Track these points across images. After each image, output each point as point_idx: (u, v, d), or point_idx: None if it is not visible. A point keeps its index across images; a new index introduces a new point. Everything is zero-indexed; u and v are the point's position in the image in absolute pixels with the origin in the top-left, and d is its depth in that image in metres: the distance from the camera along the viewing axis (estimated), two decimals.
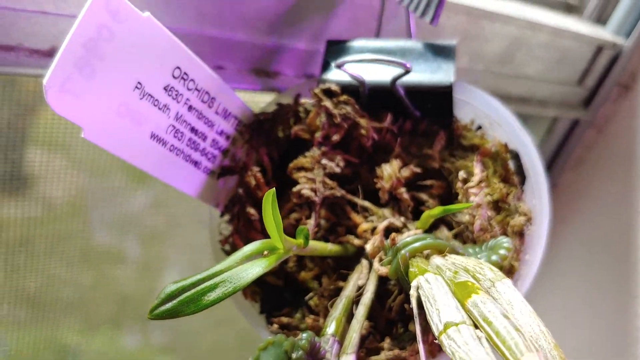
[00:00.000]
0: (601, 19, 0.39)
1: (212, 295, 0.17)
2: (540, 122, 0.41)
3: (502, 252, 0.19)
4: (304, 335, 0.17)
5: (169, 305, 0.16)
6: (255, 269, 0.17)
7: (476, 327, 0.15)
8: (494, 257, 0.19)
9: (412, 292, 0.17)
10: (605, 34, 0.38)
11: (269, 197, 0.16)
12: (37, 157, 0.35)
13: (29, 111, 0.32)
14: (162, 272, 0.47)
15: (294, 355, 0.17)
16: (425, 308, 0.16)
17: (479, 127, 0.23)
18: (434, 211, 0.20)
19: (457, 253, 0.19)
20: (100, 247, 0.42)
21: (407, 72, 0.21)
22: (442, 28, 0.29)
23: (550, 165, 0.42)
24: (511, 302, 0.16)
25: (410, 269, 0.18)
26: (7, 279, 0.41)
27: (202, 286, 0.17)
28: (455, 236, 0.22)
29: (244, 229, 0.21)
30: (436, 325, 0.15)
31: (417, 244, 0.19)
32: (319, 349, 0.18)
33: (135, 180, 0.41)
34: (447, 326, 0.15)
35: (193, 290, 0.17)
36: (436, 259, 0.18)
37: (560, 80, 0.37)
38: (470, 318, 0.15)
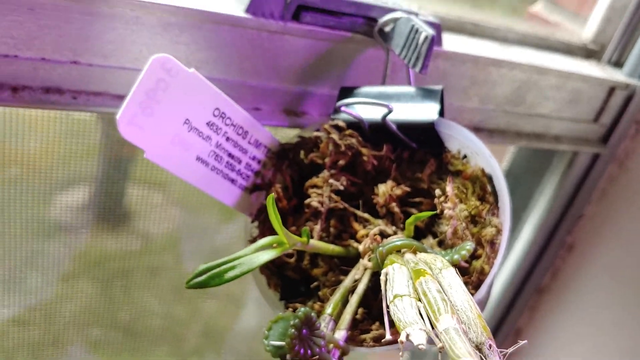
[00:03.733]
0: (619, 62, 0.43)
1: (232, 273, 0.23)
2: (563, 156, 0.44)
3: (463, 252, 0.24)
4: (302, 309, 0.23)
5: (200, 278, 0.23)
6: (265, 256, 0.23)
7: (420, 301, 0.20)
8: (455, 256, 0.24)
9: (382, 277, 0.22)
10: (619, 76, 0.41)
11: (270, 201, 0.22)
12: (136, 193, 0.42)
13: (130, 149, 0.39)
14: (246, 304, 0.53)
15: (291, 322, 0.22)
16: (387, 288, 0.22)
17: (465, 156, 0.28)
18: (410, 219, 0.25)
19: (427, 252, 0.24)
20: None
21: (390, 111, 0.26)
22: (449, 75, 0.34)
23: (574, 197, 0.45)
24: (451, 285, 0.21)
25: (385, 262, 0.23)
26: (105, 308, 0.48)
27: (225, 266, 0.23)
28: (439, 243, 0.27)
29: (267, 231, 0.27)
30: (388, 299, 0.21)
31: (392, 244, 0.24)
32: (314, 322, 0.23)
33: (224, 216, 0.47)
34: (395, 297, 0.20)
35: (218, 269, 0.23)
36: (407, 255, 0.24)
37: (575, 118, 0.41)
38: (417, 294, 0.20)
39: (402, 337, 0.19)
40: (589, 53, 0.43)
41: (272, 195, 0.22)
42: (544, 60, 0.38)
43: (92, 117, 0.35)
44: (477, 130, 0.37)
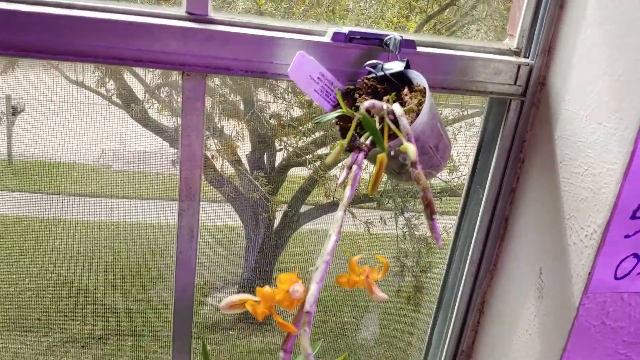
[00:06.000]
0: (526, 55, 0.83)
1: (325, 118, 0.66)
2: (503, 105, 0.84)
3: (410, 106, 0.65)
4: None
5: (317, 120, 0.66)
6: (336, 113, 0.66)
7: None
8: (406, 107, 0.66)
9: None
10: (524, 60, 0.82)
11: (339, 95, 0.65)
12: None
13: None
14: None
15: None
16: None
17: (418, 84, 0.70)
18: (391, 96, 0.67)
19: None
20: None
21: (382, 69, 0.70)
22: (428, 62, 0.77)
23: (517, 124, 0.84)
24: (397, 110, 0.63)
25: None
26: None
27: (327, 117, 0.66)
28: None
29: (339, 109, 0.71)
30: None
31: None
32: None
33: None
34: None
35: (324, 117, 0.66)
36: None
37: (501, 82, 0.81)
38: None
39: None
40: (514, 53, 0.84)
41: (339, 93, 0.66)
42: (486, 56, 0.80)
43: None
44: (443, 89, 0.79)
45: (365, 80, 0.71)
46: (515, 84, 0.81)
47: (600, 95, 0.71)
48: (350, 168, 0.62)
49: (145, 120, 5.00)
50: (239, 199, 5.44)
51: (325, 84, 0.71)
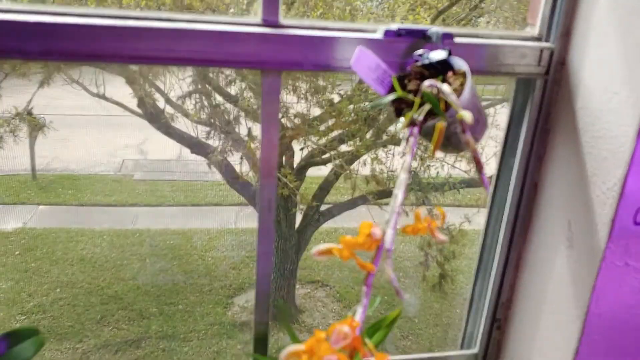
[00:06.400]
0: (547, 40, 0.96)
1: (379, 101, 0.80)
2: (530, 83, 0.97)
3: (454, 87, 0.79)
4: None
5: (373, 103, 0.80)
6: (393, 96, 0.80)
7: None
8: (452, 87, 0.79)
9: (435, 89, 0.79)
10: (545, 44, 0.95)
11: (395, 81, 0.79)
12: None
13: None
14: None
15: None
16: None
17: (460, 68, 0.84)
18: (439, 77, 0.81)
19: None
20: None
21: (427, 57, 0.84)
22: (465, 49, 0.91)
23: (542, 100, 0.97)
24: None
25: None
26: None
27: (383, 101, 0.80)
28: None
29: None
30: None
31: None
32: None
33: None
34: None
35: (378, 101, 0.80)
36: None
37: (528, 64, 0.95)
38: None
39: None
40: (536, 39, 0.97)
41: (395, 79, 0.79)
42: (513, 43, 0.93)
43: None
44: (479, 72, 0.92)
45: (415, 68, 0.85)
46: (539, 65, 0.94)
47: (613, 70, 0.84)
48: (407, 140, 0.76)
49: (167, 129, 5.17)
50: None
51: (381, 73, 0.84)
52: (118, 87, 5.43)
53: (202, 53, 0.80)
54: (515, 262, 1.05)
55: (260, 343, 0.95)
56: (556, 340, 0.95)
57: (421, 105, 0.75)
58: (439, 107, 0.70)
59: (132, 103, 5.22)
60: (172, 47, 0.78)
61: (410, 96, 0.80)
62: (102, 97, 5.41)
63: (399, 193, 0.73)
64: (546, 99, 0.96)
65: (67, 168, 7.79)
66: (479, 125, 0.84)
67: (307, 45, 0.83)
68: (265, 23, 0.83)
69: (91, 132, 7.77)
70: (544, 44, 0.94)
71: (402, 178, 0.74)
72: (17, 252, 6.53)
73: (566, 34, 0.93)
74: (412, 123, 0.78)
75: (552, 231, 0.97)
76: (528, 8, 1.05)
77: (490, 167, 1.10)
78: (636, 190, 0.83)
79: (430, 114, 0.78)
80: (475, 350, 1.14)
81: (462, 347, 1.16)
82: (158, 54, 0.78)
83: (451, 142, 0.83)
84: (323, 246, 0.71)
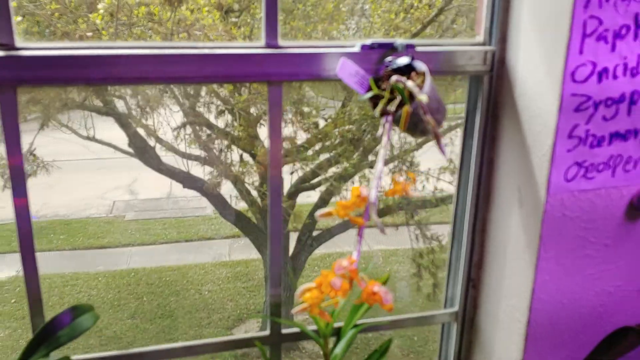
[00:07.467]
0: (490, 44, 1.22)
1: (363, 97, 1.03)
2: (478, 80, 1.22)
3: (417, 82, 1.03)
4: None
5: (359, 98, 1.03)
6: (370, 93, 1.04)
7: None
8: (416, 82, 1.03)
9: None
10: (489, 48, 1.20)
11: (372, 82, 1.03)
12: None
13: None
14: None
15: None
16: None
17: (420, 69, 1.08)
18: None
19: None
20: None
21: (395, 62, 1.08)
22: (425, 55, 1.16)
23: (490, 92, 1.22)
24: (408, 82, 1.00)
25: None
26: None
27: (360, 97, 1.04)
28: None
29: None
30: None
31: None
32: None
33: None
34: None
35: (361, 97, 1.04)
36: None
37: (475, 64, 1.20)
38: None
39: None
40: (481, 44, 1.23)
41: (372, 81, 1.04)
42: (463, 48, 1.19)
43: None
44: (437, 72, 1.17)
45: (386, 72, 1.09)
46: (484, 64, 1.20)
47: (537, 63, 1.09)
48: (384, 126, 1.00)
49: (159, 165, 5.39)
50: (254, 230, 5.78)
51: (360, 78, 1.09)
52: (108, 130, 5.65)
53: (224, 71, 1.03)
54: (481, 226, 1.29)
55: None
56: (516, 285, 1.19)
57: (392, 99, 0.99)
58: (404, 93, 0.95)
59: (123, 142, 5.44)
60: (200, 68, 1.01)
61: (384, 93, 1.05)
62: (93, 139, 5.61)
63: (379, 163, 0.96)
64: (493, 90, 1.21)
65: (57, 214, 7.91)
66: (439, 113, 1.09)
67: (302, 60, 1.08)
68: (268, 46, 1.07)
69: (80, 177, 7.94)
70: (487, 48, 1.20)
71: (382, 153, 0.98)
72: (13, 300, 6.59)
73: (503, 39, 1.19)
74: (386, 112, 1.02)
75: (506, 195, 1.21)
76: (475, 21, 1.31)
77: (456, 149, 1.34)
78: (563, 153, 1.08)
79: (401, 106, 1.03)
80: (455, 308, 1.36)
81: (445, 307, 1.39)
82: (190, 74, 1.01)
83: (418, 127, 1.07)
84: (324, 210, 0.94)
